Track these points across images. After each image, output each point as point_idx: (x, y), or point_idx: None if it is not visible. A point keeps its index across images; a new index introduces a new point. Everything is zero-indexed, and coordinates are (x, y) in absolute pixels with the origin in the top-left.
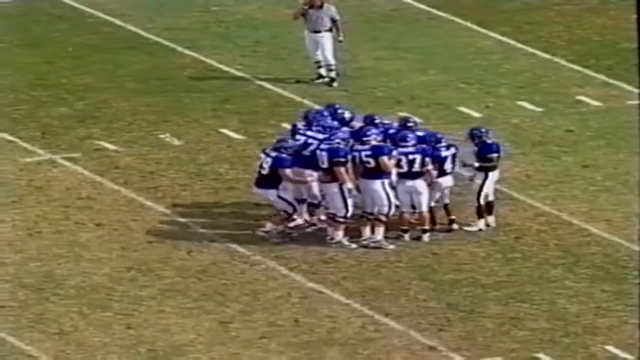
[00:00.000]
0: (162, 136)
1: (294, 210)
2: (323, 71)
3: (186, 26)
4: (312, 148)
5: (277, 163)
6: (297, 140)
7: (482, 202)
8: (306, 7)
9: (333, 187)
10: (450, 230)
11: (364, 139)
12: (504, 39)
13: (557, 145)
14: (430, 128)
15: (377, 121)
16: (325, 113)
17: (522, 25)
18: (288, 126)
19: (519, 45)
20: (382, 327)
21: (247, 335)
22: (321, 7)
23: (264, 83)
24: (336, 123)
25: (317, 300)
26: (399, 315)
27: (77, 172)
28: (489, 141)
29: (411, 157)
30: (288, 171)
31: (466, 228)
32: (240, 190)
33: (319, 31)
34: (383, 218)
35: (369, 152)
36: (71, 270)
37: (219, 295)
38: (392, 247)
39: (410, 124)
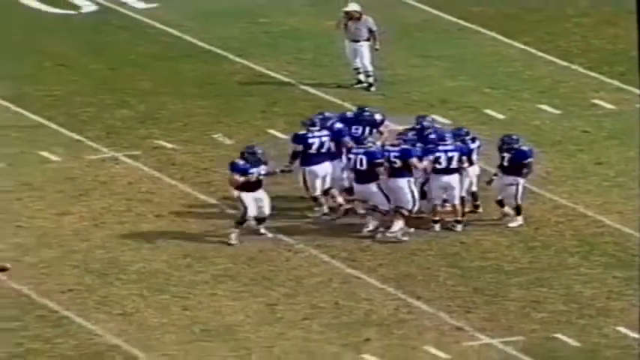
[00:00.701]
0: (215, 135)
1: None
2: (362, 77)
3: (237, 36)
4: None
5: (407, 154)
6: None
7: (519, 202)
8: (346, 19)
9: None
10: (475, 211)
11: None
12: (526, 48)
13: (575, 145)
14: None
15: (427, 122)
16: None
17: (543, 35)
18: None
19: (540, 53)
20: (414, 309)
21: (291, 316)
22: (359, 19)
23: (308, 88)
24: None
25: (355, 284)
26: (430, 298)
27: (138, 169)
28: (525, 147)
29: (449, 154)
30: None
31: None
32: (284, 185)
33: (358, 41)
34: (405, 213)
35: (397, 154)
36: (133, 257)
37: (266, 280)
38: (406, 239)
39: (426, 123)
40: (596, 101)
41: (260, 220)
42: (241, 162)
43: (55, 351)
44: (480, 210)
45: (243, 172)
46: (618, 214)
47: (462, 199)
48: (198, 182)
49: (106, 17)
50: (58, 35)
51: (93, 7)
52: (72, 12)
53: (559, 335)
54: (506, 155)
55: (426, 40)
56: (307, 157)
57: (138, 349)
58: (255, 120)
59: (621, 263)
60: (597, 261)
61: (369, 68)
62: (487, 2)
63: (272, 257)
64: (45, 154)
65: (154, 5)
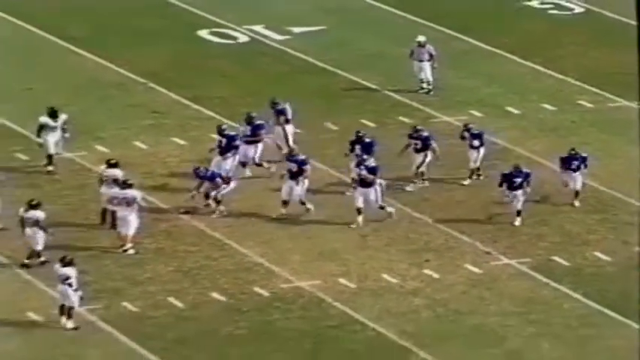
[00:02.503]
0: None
1: None
2: (424, 85)
3: (340, 57)
4: None
5: None
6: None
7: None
8: (416, 46)
9: None
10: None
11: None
12: (534, 66)
13: (566, 130)
14: (490, 121)
15: (471, 126)
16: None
17: (549, 56)
18: (405, 119)
19: (544, 69)
20: (458, 240)
21: (377, 244)
22: (423, 46)
23: (390, 93)
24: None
25: (418, 224)
26: (469, 233)
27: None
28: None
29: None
30: None
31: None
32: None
33: (422, 61)
34: None
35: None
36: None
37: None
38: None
39: (470, 127)
40: (580, 102)
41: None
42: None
43: (219, 266)
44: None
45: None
46: (596, 177)
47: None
48: None
49: (254, 46)
50: (224, 58)
51: (245, 39)
52: (231, 41)
53: (555, 258)
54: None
55: (468, 62)
56: None
57: (274, 265)
58: (356, 115)
59: (597, 210)
60: (582, 208)
61: (430, 79)
62: (509, 32)
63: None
64: None
65: (287, 37)
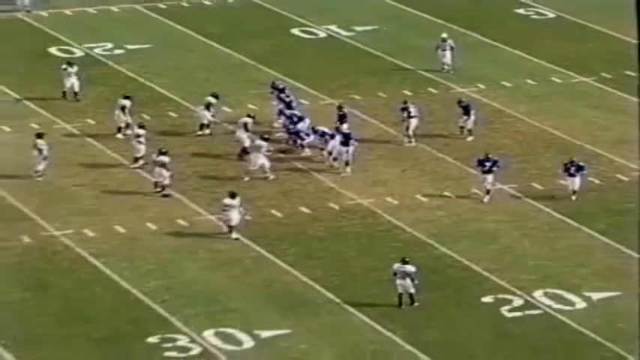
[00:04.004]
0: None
1: None
2: (445, 67)
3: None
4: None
5: None
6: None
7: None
8: (440, 40)
9: None
10: None
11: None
12: (522, 54)
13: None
14: (489, 91)
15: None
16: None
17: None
18: (433, 90)
19: (536, 60)
20: None
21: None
22: (445, 40)
23: (421, 72)
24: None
25: None
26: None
27: None
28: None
29: None
30: None
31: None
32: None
33: (445, 50)
34: None
35: None
36: None
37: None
38: None
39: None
40: (552, 78)
41: None
42: None
43: (305, 189)
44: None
45: None
46: (561, 129)
47: None
48: None
49: (329, 40)
50: (309, 48)
51: (323, 34)
52: (313, 37)
53: (534, 184)
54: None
55: (475, 50)
56: None
57: (343, 189)
58: (398, 87)
59: (562, 152)
60: (550, 153)
61: (449, 63)
62: (504, 30)
63: None
64: None
65: (352, 33)
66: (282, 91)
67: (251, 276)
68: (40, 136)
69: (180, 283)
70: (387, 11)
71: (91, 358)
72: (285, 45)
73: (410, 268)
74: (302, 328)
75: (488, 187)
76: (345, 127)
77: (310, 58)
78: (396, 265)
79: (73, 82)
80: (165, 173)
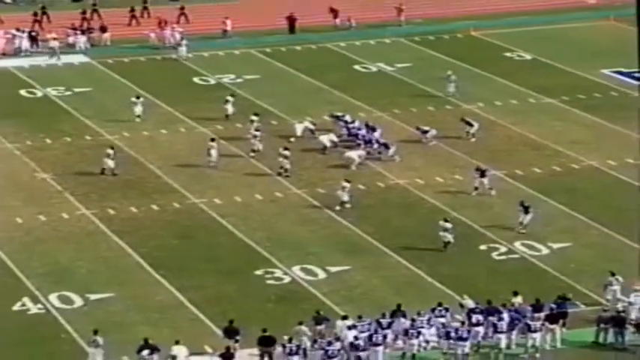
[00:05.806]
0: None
1: None
2: (450, 92)
3: (414, 69)
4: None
5: None
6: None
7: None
8: (447, 75)
9: None
10: None
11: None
12: (508, 83)
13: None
14: (489, 110)
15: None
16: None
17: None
18: (449, 107)
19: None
20: None
21: (433, 163)
22: (450, 75)
23: (442, 95)
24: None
25: None
26: (471, 153)
27: None
28: None
29: None
30: None
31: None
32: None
33: (450, 82)
34: None
35: None
36: None
37: None
38: None
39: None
40: (529, 99)
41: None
42: None
43: (358, 173)
44: None
45: None
46: (542, 135)
47: None
48: None
49: (379, 73)
50: (365, 79)
51: (374, 69)
52: (367, 70)
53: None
54: None
55: (495, 80)
56: None
57: (388, 172)
58: (424, 105)
59: (534, 148)
60: (528, 149)
61: (451, 91)
62: (496, 67)
63: None
64: None
65: (393, 69)
66: (339, 118)
67: (324, 230)
68: (212, 139)
69: (277, 235)
70: (417, 54)
71: (219, 284)
72: (349, 76)
73: (448, 225)
74: (358, 265)
75: (488, 186)
76: (376, 133)
77: (366, 85)
78: (441, 222)
79: (228, 107)
80: (286, 161)
